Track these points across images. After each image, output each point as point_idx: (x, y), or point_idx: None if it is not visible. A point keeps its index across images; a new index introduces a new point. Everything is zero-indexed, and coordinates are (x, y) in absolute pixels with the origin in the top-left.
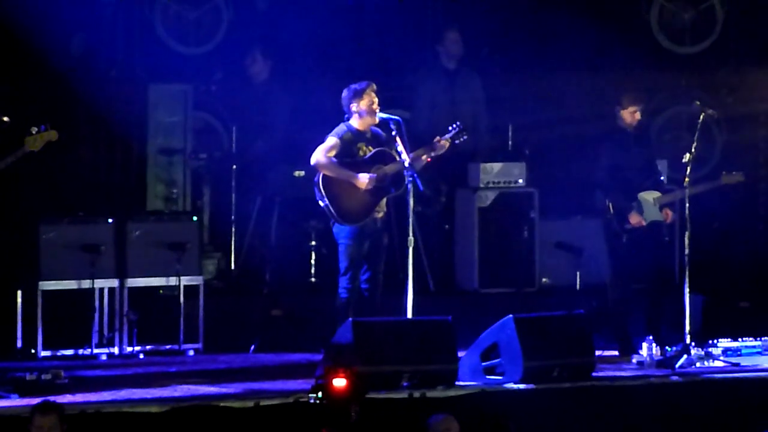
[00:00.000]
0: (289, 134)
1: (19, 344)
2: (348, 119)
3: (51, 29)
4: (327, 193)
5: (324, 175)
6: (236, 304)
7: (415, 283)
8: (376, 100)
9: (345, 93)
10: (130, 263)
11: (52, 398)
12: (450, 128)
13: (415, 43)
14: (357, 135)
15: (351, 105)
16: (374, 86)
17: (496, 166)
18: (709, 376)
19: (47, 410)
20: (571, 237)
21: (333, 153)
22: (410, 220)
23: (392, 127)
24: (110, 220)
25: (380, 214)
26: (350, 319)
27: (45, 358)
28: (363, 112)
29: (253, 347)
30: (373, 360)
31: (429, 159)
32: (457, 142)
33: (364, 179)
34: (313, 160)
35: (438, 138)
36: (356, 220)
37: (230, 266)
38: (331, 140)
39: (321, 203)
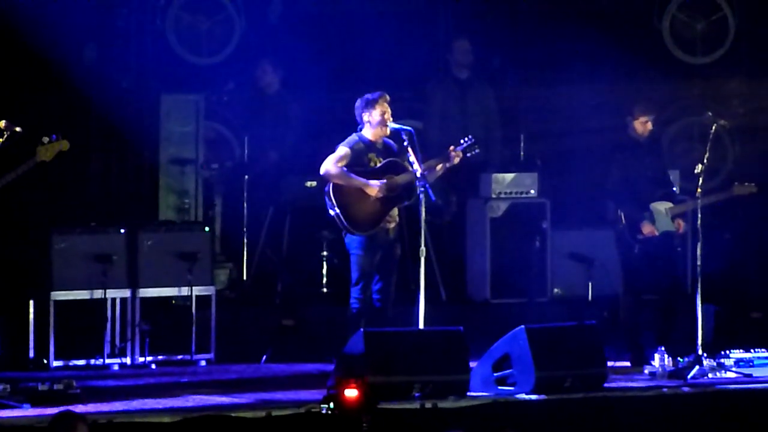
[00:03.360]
0: (300, 144)
1: (31, 354)
2: (360, 129)
3: (63, 39)
4: (337, 202)
5: (335, 184)
6: (248, 314)
7: (427, 294)
8: (388, 110)
9: (357, 103)
10: (142, 273)
11: (69, 408)
12: (462, 141)
13: (426, 54)
14: (368, 145)
15: (363, 115)
16: (387, 97)
17: (508, 177)
18: (721, 387)
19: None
20: (583, 247)
21: (343, 163)
22: (422, 230)
23: (404, 137)
24: (122, 230)
25: (392, 225)
26: (362, 329)
27: (57, 368)
28: (375, 122)
29: (264, 357)
30: (385, 370)
31: (442, 170)
32: (468, 155)
33: (375, 185)
34: (322, 170)
35: (452, 147)
36: (366, 229)
37: (242, 276)
38: (342, 150)
39: (331, 212)
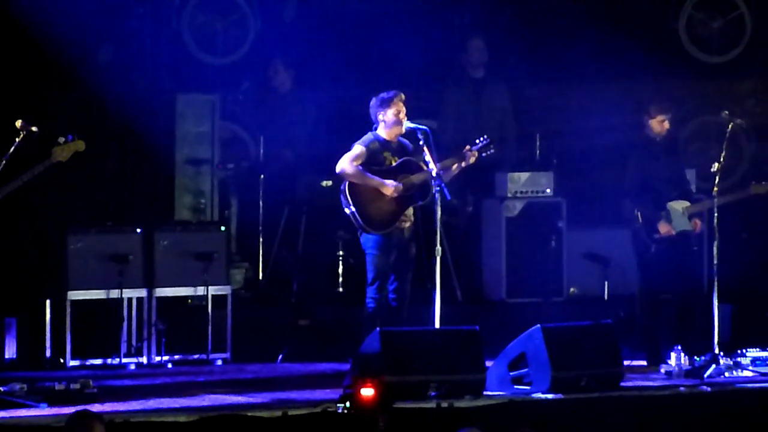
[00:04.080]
0: (316, 144)
1: (48, 354)
2: (375, 128)
3: (79, 40)
4: (353, 200)
5: (350, 183)
6: (264, 313)
7: (443, 293)
8: (403, 109)
9: (372, 102)
10: (158, 273)
11: (86, 407)
12: (477, 141)
13: (441, 52)
14: (383, 144)
15: (378, 114)
16: (402, 96)
17: (524, 176)
18: (738, 386)
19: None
20: (599, 247)
21: (359, 162)
22: (438, 230)
23: (419, 136)
24: (138, 230)
25: (407, 224)
26: (378, 328)
27: (74, 367)
28: (390, 121)
29: (280, 357)
30: (401, 370)
31: (458, 169)
32: (484, 155)
33: (391, 185)
34: (338, 168)
35: (467, 147)
36: (381, 228)
37: (258, 276)
38: (357, 149)
39: (347, 210)
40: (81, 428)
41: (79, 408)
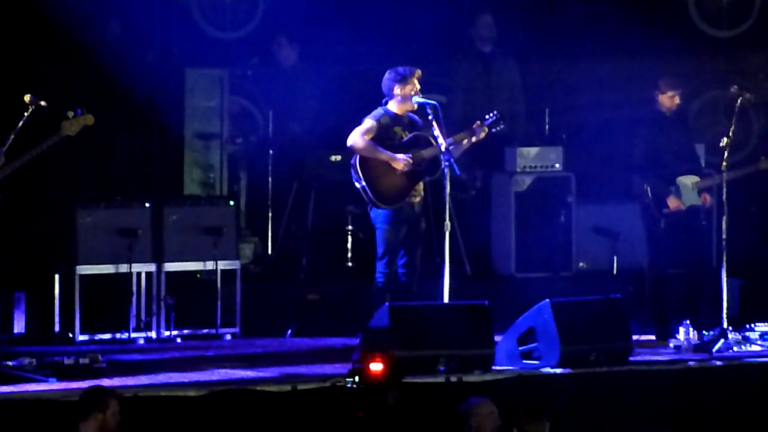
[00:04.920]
0: (324, 119)
1: (57, 328)
2: (386, 103)
3: (88, 14)
4: (364, 174)
5: (361, 157)
6: (273, 288)
7: (452, 268)
8: (418, 87)
9: (388, 75)
10: (167, 248)
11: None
12: (487, 116)
13: (450, 27)
14: (394, 119)
15: (395, 88)
16: (419, 73)
17: (533, 151)
18: (746, 360)
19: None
20: (608, 221)
21: (370, 135)
22: (447, 204)
23: (429, 111)
24: (147, 205)
25: (417, 199)
26: (387, 303)
27: (83, 342)
28: (405, 96)
29: (289, 332)
30: (410, 344)
31: (468, 144)
32: (493, 131)
33: (402, 159)
34: (349, 142)
35: (478, 122)
36: (392, 202)
37: (267, 251)
38: (368, 122)
39: (357, 185)
40: (95, 404)
41: (91, 383)
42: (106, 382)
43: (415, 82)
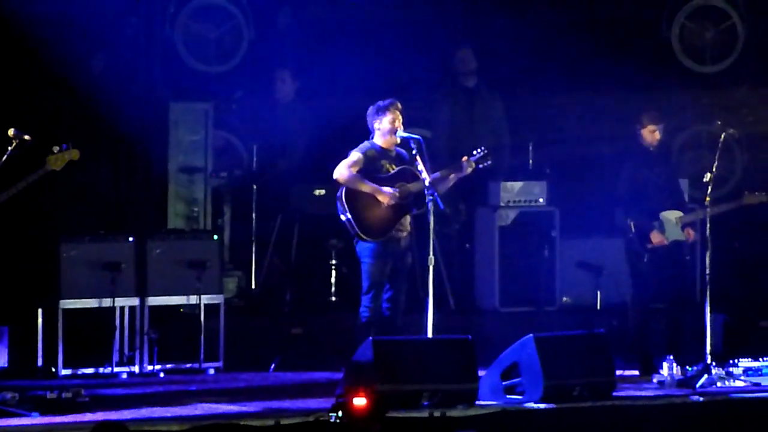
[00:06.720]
0: (309, 153)
1: (39, 362)
2: (372, 137)
3: (72, 48)
4: (349, 207)
5: (347, 189)
6: (257, 322)
7: (436, 302)
8: (399, 118)
9: (369, 110)
10: (151, 281)
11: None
12: (474, 152)
13: (434, 62)
14: (381, 152)
15: (374, 122)
16: (398, 104)
17: (517, 185)
18: (730, 396)
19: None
20: (592, 256)
21: (356, 168)
22: (431, 239)
23: (412, 146)
24: (131, 239)
25: (404, 234)
26: (371, 337)
27: (65, 376)
28: (385, 129)
29: (273, 366)
30: (394, 379)
31: (455, 180)
32: (480, 166)
33: (387, 192)
34: (335, 174)
35: (465, 157)
36: (377, 235)
37: (251, 285)
38: (355, 155)
39: (342, 217)
40: None
41: (74, 417)
42: (89, 416)
43: (396, 113)
